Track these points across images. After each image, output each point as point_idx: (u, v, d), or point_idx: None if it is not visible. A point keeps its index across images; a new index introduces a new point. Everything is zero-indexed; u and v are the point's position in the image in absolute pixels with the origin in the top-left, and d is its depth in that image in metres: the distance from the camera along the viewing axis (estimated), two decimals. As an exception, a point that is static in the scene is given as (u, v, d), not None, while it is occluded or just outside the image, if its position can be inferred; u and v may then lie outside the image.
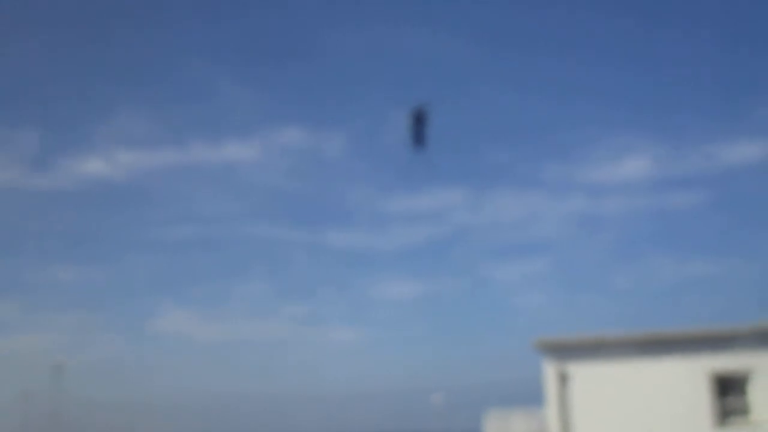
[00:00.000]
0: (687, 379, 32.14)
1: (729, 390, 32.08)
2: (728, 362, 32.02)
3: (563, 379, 32.85)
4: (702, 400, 31.93)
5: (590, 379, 32.76)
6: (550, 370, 33.12)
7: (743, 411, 31.92)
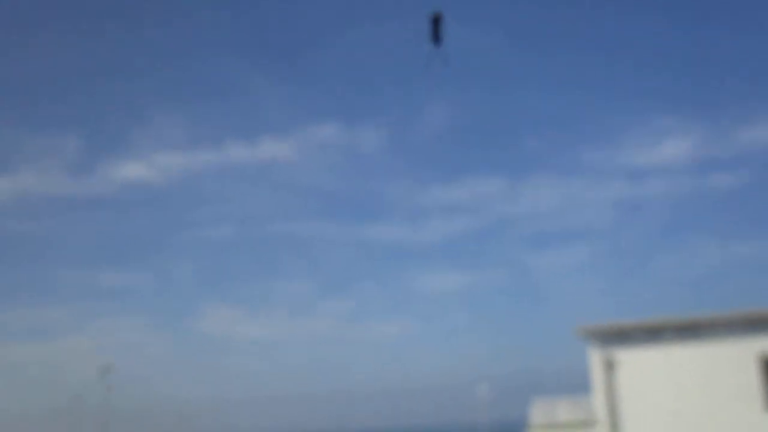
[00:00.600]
0: (735, 362, 31.72)
1: (779, 372, 31.59)
2: (777, 344, 31.53)
3: (609, 366, 32.61)
4: (751, 383, 31.50)
5: (637, 365, 32.48)
6: (595, 358, 32.90)
7: (794, 393, 31.41)
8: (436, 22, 27.77)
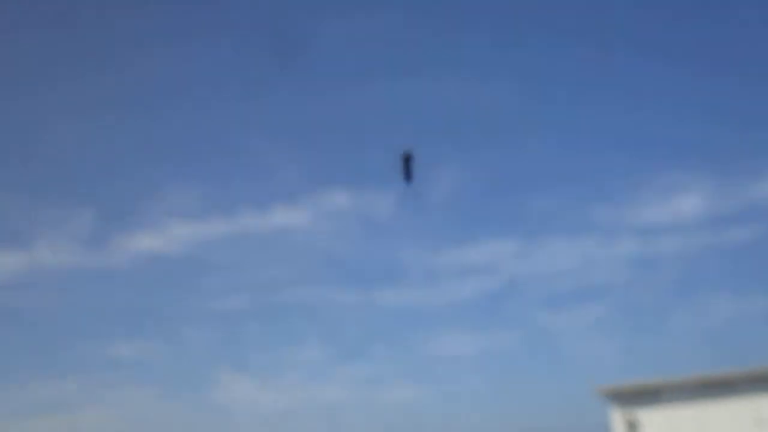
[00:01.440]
0: (757, 418, 31.33)
1: (804, 428, 31.16)
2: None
3: (632, 427, 32.21)
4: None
5: (660, 424, 32.10)
6: (617, 418, 32.53)
7: (821, 449, 30.94)
8: (407, 160, 28.81)
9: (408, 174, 28.75)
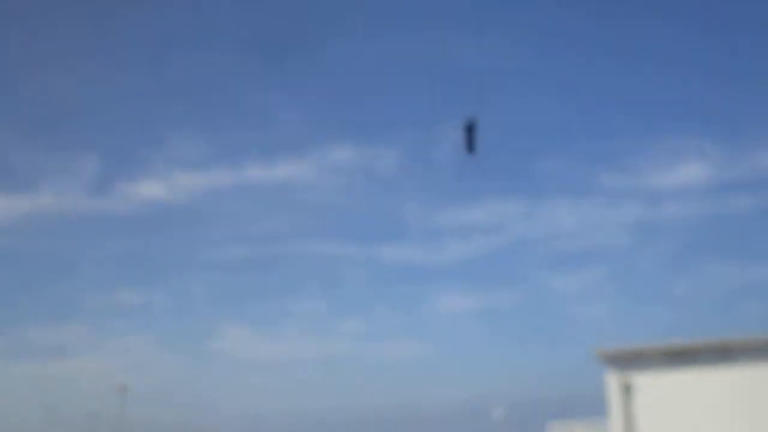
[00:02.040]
0: (753, 385, 31.33)
1: (800, 398, 31.17)
2: (798, 369, 31.14)
3: (627, 390, 32.24)
4: (772, 408, 31.08)
5: (655, 389, 32.12)
6: (612, 381, 32.55)
7: (816, 419, 30.96)
8: (470, 130, 26.30)
9: (471, 144, 26.40)
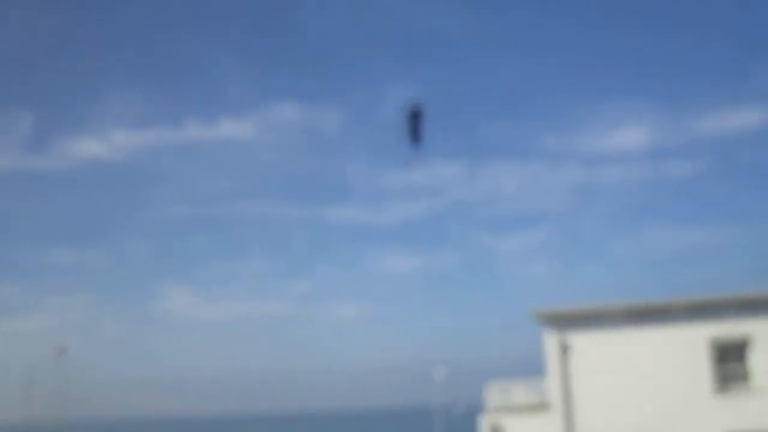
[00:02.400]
0: (687, 346, 32.31)
1: (728, 357, 32.26)
2: (728, 329, 32.17)
3: (564, 350, 33.00)
4: (702, 367, 32.11)
5: (591, 348, 32.92)
6: (550, 341, 33.26)
7: (743, 377, 32.11)
8: (415, 117, 23.86)
9: (416, 134, 23.66)
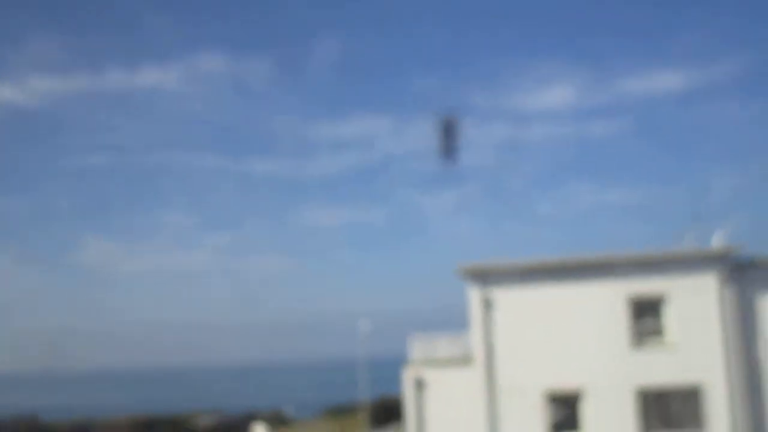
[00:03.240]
0: (605, 302, 33.23)
1: (644, 313, 33.32)
2: (644, 286, 33.18)
3: (487, 305, 33.61)
4: (619, 322, 33.11)
5: (513, 304, 33.61)
6: (474, 296, 33.83)
7: (658, 332, 33.25)
8: (448, 129, 21.62)
9: (449, 147, 21.53)
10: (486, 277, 33.76)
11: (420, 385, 34.40)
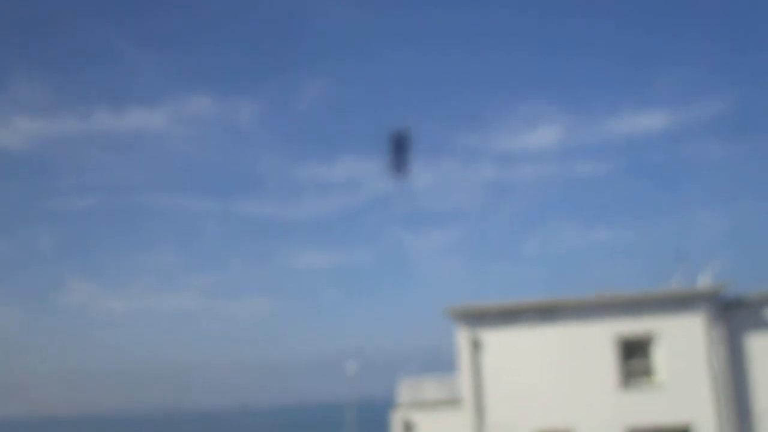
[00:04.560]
0: (593, 342, 33.16)
1: (633, 353, 33.25)
2: (632, 326, 33.15)
3: (475, 346, 33.47)
4: (608, 363, 33.01)
5: (501, 345, 33.48)
6: (462, 338, 33.70)
7: (646, 373, 33.16)
8: (400, 143, 21.14)
9: (400, 163, 21.14)
10: (474, 318, 33.67)
11: (409, 427, 34.10)
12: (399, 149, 21.69)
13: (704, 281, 33.63)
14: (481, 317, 33.68)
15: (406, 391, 35.71)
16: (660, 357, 33.00)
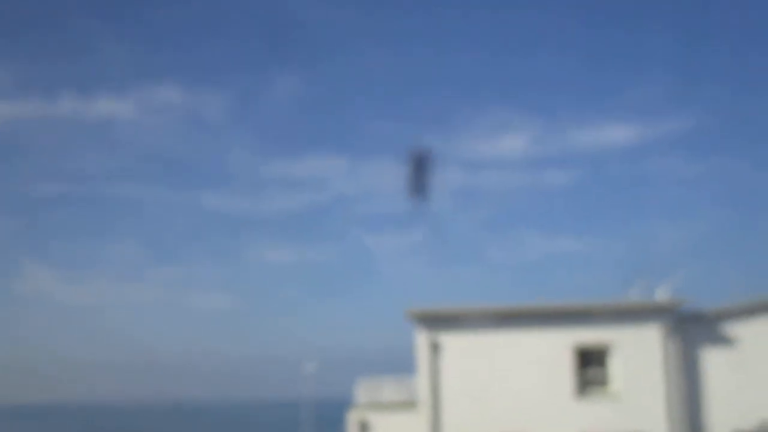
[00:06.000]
0: (551, 350, 33.39)
1: (590, 362, 33.55)
2: (590, 336, 33.44)
3: (434, 349, 33.54)
4: (564, 371, 33.26)
5: (460, 349, 33.59)
6: (421, 340, 33.75)
7: (602, 382, 33.47)
8: (419, 164, 19.80)
9: (420, 184, 20.01)
10: (433, 321, 33.73)
11: (365, 428, 34.07)
12: (419, 170, 21.01)
13: (663, 294, 34.02)
14: (440, 320, 33.76)
15: (363, 391, 35.70)
16: (616, 367, 33.33)
